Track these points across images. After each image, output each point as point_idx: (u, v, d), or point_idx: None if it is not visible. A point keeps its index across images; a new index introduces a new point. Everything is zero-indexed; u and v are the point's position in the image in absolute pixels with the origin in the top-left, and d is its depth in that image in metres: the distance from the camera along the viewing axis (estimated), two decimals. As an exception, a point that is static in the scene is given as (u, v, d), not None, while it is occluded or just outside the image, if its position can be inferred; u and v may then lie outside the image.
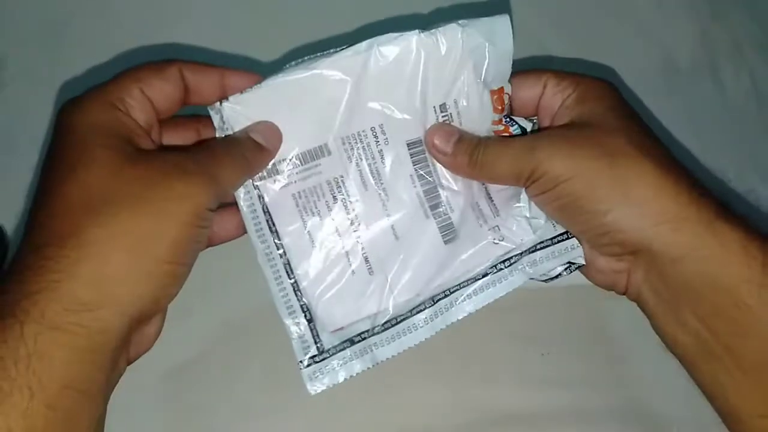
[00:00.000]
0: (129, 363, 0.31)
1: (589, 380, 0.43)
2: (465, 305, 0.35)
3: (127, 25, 0.50)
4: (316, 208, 0.35)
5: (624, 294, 0.35)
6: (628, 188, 0.31)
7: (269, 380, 0.42)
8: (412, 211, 0.35)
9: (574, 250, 0.35)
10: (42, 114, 0.46)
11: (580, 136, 0.32)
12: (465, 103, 0.35)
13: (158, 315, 0.31)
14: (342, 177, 0.35)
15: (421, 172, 0.35)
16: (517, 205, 0.36)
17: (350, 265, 0.35)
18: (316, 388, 0.34)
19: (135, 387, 0.42)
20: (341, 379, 0.34)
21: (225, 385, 0.42)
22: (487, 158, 0.33)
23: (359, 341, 0.35)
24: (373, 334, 0.35)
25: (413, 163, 0.35)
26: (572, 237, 0.35)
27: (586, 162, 0.31)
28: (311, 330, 0.35)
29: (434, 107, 0.34)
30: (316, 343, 0.34)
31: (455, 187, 0.36)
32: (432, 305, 0.35)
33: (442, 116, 0.35)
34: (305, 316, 0.34)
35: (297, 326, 0.34)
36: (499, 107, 0.35)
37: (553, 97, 0.35)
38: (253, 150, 0.32)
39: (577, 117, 0.34)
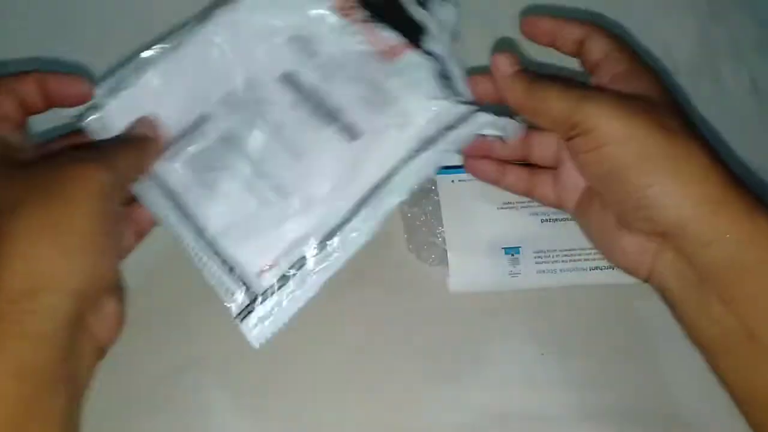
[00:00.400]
0: (101, 351, 0.32)
1: (589, 380, 0.43)
2: (396, 192, 0.35)
3: None
4: (212, 166, 0.36)
5: (646, 280, 0.35)
6: (678, 166, 0.31)
7: (269, 380, 0.42)
8: (304, 127, 0.36)
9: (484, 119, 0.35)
10: None
11: (638, 105, 0.32)
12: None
13: (109, 295, 0.31)
14: (230, 129, 0.36)
15: (302, 96, 0.37)
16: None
17: (258, 200, 0.35)
18: (260, 338, 0.33)
19: (135, 387, 0.42)
20: (286, 318, 0.34)
21: (225, 385, 0.42)
22: (542, 92, 0.34)
23: (296, 271, 0.34)
24: (312, 257, 0.34)
25: (295, 91, 0.37)
26: (480, 110, 0.36)
27: (643, 130, 0.31)
28: (236, 279, 0.34)
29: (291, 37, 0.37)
30: (247, 290, 0.34)
31: (340, 90, 0.37)
32: (363, 205, 0.35)
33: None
34: (227, 268, 0.34)
35: (221, 282, 0.34)
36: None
37: (603, 56, 0.36)
38: (139, 142, 0.35)
39: (632, 89, 0.34)
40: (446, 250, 0.44)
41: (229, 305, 0.34)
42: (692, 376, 0.43)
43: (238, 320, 0.33)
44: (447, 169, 0.46)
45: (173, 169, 0.36)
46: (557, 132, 0.35)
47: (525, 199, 0.45)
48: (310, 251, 0.34)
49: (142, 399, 0.41)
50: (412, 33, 0.38)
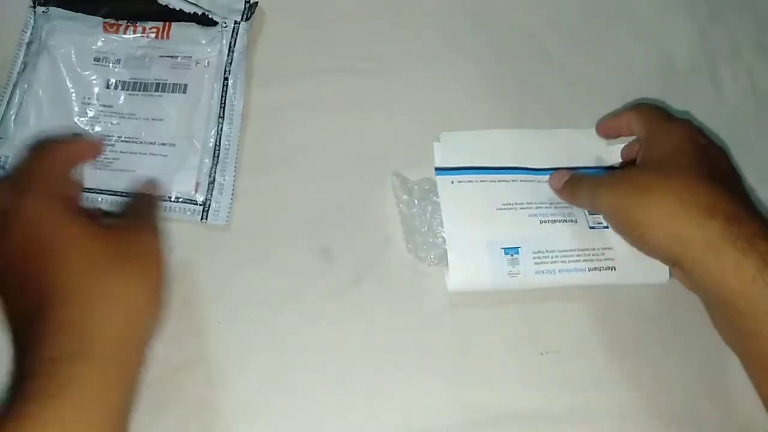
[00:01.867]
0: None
1: (588, 379, 0.43)
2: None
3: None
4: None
5: None
6: (652, 217, 0.38)
7: (269, 380, 0.42)
8: (149, 104, 0.48)
9: None
10: None
11: (622, 176, 0.42)
12: None
13: None
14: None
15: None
16: None
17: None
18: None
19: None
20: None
21: (225, 385, 0.42)
22: (575, 192, 0.44)
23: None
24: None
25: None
26: None
27: (621, 199, 0.40)
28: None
29: None
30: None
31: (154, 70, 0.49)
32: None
33: None
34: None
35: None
36: None
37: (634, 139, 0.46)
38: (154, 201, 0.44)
39: (640, 159, 0.43)
40: (446, 250, 0.44)
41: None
42: (691, 376, 0.43)
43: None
44: (446, 170, 0.46)
45: None
46: None
47: (524, 200, 0.45)
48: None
49: (142, 399, 0.41)
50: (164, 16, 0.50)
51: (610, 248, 0.44)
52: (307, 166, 0.48)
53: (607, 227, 0.44)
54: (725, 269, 0.35)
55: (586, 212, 0.45)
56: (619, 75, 0.52)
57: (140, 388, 0.34)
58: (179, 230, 0.45)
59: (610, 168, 0.48)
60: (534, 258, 0.44)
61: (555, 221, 0.45)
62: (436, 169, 0.47)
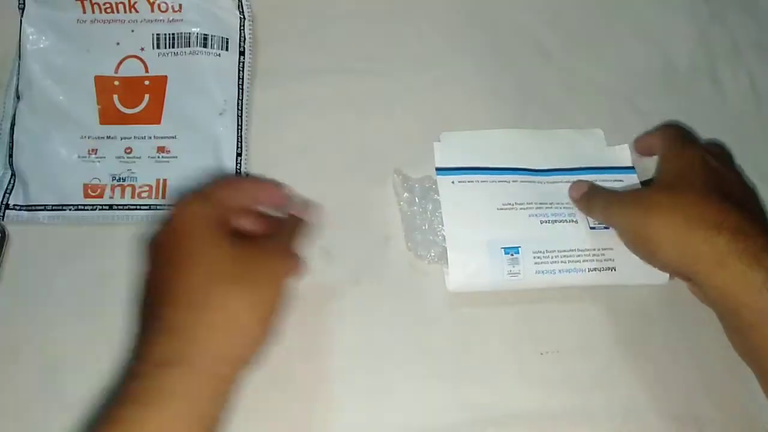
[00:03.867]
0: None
1: (588, 379, 0.43)
2: None
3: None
4: None
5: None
6: (661, 234, 0.39)
7: (269, 380, 0.42)
8: None
9: None
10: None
11: (634, 194, 0.44)
12: None
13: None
14: None
15: None
16: None
17: None
18: None
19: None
20: None
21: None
22: (590, 204, 0.45)
23: None
24: None
25: None
26: None
27: (632, 218, 0.41)
28: None
29: None
30: None
31: None
32: None
33: None
34: None
35: None
36: None
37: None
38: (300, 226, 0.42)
39: (654, 178, 0.45)
40: (446, 248, 0.44)
41: None
42: (691, 376, 0.43)
43: None
44: (447, 170, 0.46)
45: None
46: None
47: (524, 200, 0.45)
48: None
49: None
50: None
51: (610, 249, 0.44)
52: (307, 166, 0.48)
53: (607, 228, 0.44)
54: (733, 282, 0.37)
55: None
56: (619, 75, 0.52)
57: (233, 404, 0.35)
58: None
59: (612, 169, 0.48)
60: (534, 258, 0.44)
61: (555, 221, 0.45)
62: (437, 169, 0.47)
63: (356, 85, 0.50)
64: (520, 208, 0.45)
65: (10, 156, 0.47)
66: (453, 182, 0.46)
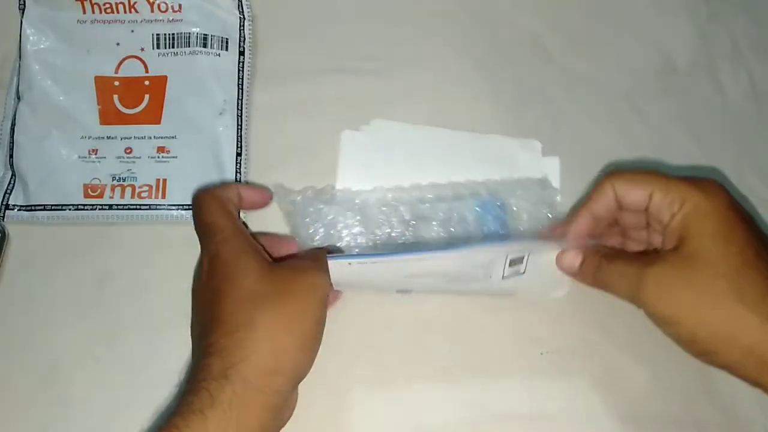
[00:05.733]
0: (278, 429, 0.37)
1: (588, 379, 0.43)
2: None
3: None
4: None
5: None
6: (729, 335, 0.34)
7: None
8: None
9: None
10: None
11: (684, 277, 0.35)
12: None
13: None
14: None
15: None
16: None
17: None
18: None
19: (136, 389, 0.42)
20: None
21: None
22: (605, 279, 0.39)
23: None
24: None
25: None
26: None
27: (689, 309, 0.35)
28: None
29: None
30: None
31: None
32: None
33: None
34: None
35: None
36: None
37: (660, 211, 0.37)
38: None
39: (682, 243, 0.36)
40: None
41: None
42: (691, 377, 0.43)
43: None
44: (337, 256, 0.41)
45: None
46: None
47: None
48: None
49: (144, 401, 0.41)
50: None
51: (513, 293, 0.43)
52: (306, 166, 0.48)
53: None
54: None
55: (505, 267, 0.41)
56: (619, 75, 0.52)
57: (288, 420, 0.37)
58: (179, 230, 0.45)
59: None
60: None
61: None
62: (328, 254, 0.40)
63: (356, 85, 0.50)
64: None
65: (11, 156, 0.47)
66: (350, 263, 0.40)
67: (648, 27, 0.54)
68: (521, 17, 0.53)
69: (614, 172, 0.39)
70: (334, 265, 0.39)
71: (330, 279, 0.38)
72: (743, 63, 0.53)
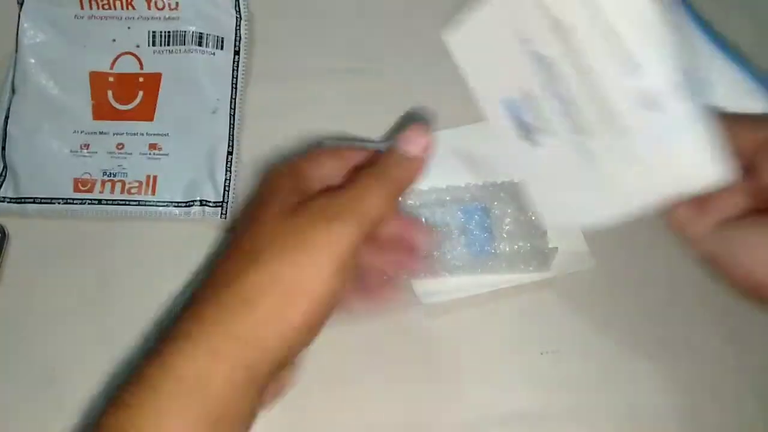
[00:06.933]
0: (262, 409, 0.33)
1: (588, 379, 0.42)
2: None
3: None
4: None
5: None
6: None
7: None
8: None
9: None
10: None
11: None
12: None
13: (291, 364, 0.35)
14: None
15: None
16: None
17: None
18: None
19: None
20: None
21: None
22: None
23: None
24: None
25: None
26: None
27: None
28: None
29: None
30: None
31: None
32: None
33: None
34: None
35: None
36: None
37: None
38: (399, 165, 0.35)
39: None
40: None
41: None
42: (691, 376, 0.42)
43: None
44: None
45: None
46: None
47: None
48: None
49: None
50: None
51: None
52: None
53: None
54: None
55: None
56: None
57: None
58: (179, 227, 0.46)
59: None
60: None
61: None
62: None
63: (354, 85, 0.50)
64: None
65: (3, 148, 0.47)
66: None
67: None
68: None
69: None
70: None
71: (366, 224, 0.33)
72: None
